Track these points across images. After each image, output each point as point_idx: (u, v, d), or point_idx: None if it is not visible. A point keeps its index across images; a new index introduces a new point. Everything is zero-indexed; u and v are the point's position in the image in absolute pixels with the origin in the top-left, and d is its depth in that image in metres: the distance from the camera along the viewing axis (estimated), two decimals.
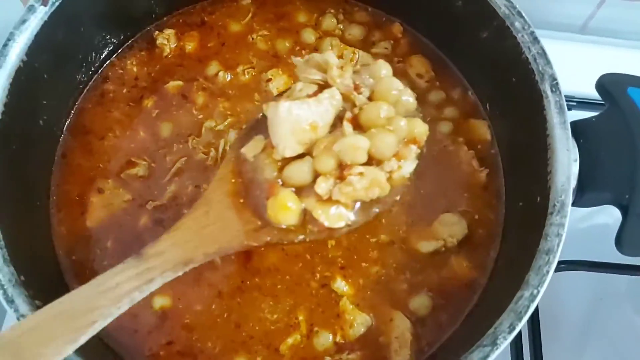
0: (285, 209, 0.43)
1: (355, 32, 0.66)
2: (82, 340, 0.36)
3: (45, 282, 0.48)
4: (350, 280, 0.53)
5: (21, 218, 0.49)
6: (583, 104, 0.76)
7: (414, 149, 0.45)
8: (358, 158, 0.42)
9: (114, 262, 0.51)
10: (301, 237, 0.44)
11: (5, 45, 0.49)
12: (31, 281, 0.44)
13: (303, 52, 0.64)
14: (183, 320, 0.51)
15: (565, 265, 0.66)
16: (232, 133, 0.59)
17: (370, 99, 0.46)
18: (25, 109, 0.51)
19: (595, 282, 0.72)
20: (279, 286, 0.53)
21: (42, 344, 0.35)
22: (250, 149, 0.46)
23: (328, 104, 0.44)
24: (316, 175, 0.43)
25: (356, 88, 0.46)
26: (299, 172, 0.43)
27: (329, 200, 0.43)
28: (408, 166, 0.44)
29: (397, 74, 0.62)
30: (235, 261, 0.54)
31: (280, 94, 0.49)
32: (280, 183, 0.44)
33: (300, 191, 0.44)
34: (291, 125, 0.43)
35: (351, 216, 0.44)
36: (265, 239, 0.44)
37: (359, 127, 0.44)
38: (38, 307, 0.42)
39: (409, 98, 0.47)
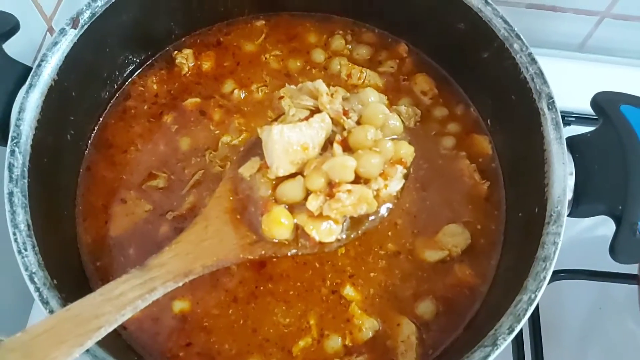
0: (279, 224, 0.47)
1: (363, 52, 0.69)
2: (89, 344, 0.38)
3: (75, 286, 0.51)
4: (359, 288, 0.56)
5: (51, 227, 0.52)
6: (581, 119, 0.79)
7: (399, 169, 0.49)
8: (346, 176, 0.46)
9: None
10: (294, 250, 0.47)
11: (39, 65, 0.52)
12: (63, 285, 0.47)
13: (313, 70, 0.68)
14: (202, 324, 0.54)
15: (565, 274, 0.69)
16: None
17: (358, 123, 0.50)
18: (55, 124, 0.55)
19: (595, 291, 0.74)
20: (291, 292, 0.56)
21: (52, 347, 0.37)
22: (247, 169, 0.50)
23: (318, 127, 0.48)
24: (307, 193, 0.47)
25: (345, 113, 0.50)
26: (292, 190, 0.47)
27: (320, 216, 0.46)
28: (394, 185, 0.48)
29: (402, 91, 0.67)
30: (249, 268, 0.56)
31: (275, 119, 0.53)
32: (274, 200, 0.48)
33: (293, 208, 0.48)
34: (283, 147, 0.46)
35: (340, 231, 0.47)
36: (260, 252, 0.48)
37: (348, 148, 0.48)
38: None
39: (395, 122, 0.51)
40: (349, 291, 0.56)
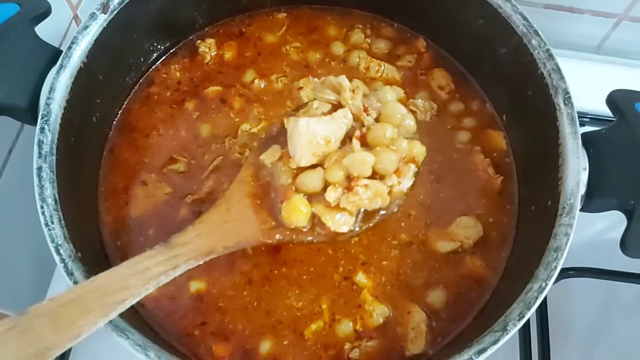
0: (297, 212, 0.49)
1: (382, 46, 0.70)
2: (113, 315, 0.40)
3: (96, 262, 0.53)
4: (371, 275, 0.57)
5: (76, 204, 0.54)
6: (596, 120, 0.80)
7: (412, 168, 0.51)
8: (364, 171, 0.48)
9: None
10: (309, 238, 0.49)
11: (69, 47, 0.54)
12: (87, 258, 0.48)
13: (332, 63, 0.69)
14: (217, 304, 0.55)
15: (574, 272, 0.69)
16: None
17: (376, 120, 0.52)
18: (83, 105, 0.56)
19: (604, 291, 0.75)
20: (304, 277, 0.57)
21: (78, 316, 0.38)
22: (268, 157, 0.52)
23: (341, 122, 0.50)
24: (326, 184, 0.49)
25: (365, 110, 0.52)
26: (312, 180, 0.49)
27: (336, 207, 0.49)
28: (406, 182, 0.50)
29: (419, 85, 0.68)
30: (265, 252, 0.58)
31: (297, 109, 0.54)
32: (294, 189, 0.50)
33: (311, 197, 0.50)
34: (308, 139, 0.48)
35: (354, 222, 0.49)
36: (277, 237, 0.49)
37: (365, 144, 0.50)
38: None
39: (410, 122, 0.53)
40: (361, 278, 0.57)
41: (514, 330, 0.44)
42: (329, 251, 0.58)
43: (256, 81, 0.67)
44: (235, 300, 0.56)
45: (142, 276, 0.42)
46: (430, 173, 0.62)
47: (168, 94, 0.66)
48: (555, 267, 0.46)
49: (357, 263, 0.58)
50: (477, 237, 0.59)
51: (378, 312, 0.55)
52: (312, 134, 0.48)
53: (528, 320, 0.68)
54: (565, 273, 0.71)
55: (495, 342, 0.43)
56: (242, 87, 0.67)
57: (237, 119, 0.65)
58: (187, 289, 0.56)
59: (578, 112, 0.80)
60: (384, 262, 0.58)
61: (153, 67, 0.67)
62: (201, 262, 0.46)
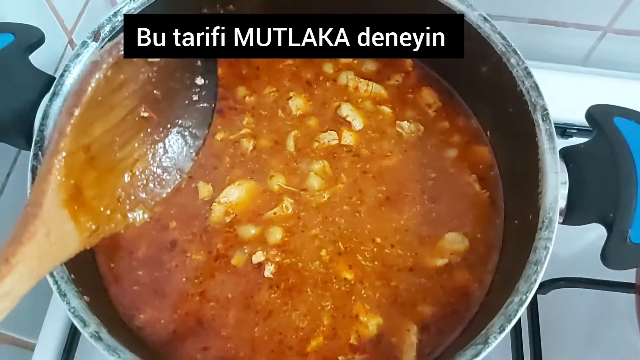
0: None
1: (370, 66, 0.72)
2: None
3: (91, 283, 0.54)
4: (365, 290, 0.58)
5: None
6: (583, 131, 0.82)
7: None
8: None
9: (145, 271, 0.58)
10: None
11: (62, 75, 0.56)
12: (80, 280, 0.50)
13: (327, 83, 0.71)
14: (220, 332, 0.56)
15: (564, 282, 0.70)
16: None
17: None
18: None
19: (596, 300, 0.75)
20: (302, 295, 0.58)
21: None
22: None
23: None
24: None
25: None
26: None
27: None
28: None
29: (408, 103, 0.69)
30: (265, 282, 0.59)
31: None
32: None
33: None
34: None
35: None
36: (97, 240, 0.48)
37: None
38: (87, 302, 0.48)
39: None
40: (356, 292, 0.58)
41: (495, 343, 0.45)
42: (320, 269, 0.59)
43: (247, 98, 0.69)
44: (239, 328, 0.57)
45: None
46: (422, 192, 0.63)
47: None
48: (535, 280, 0.47)
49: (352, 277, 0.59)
50: (465, 252, 0.60)
51: (372, 325, 0.56)
52: None
53: (520, 331, 0.69)
54: (556, 283, 0.72)
55: (477, 355, 0.44)
56: (235, 102, 0.69)
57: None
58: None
59: (566, 124, 0.83)
60: (377, 283, 0.59)
61: None
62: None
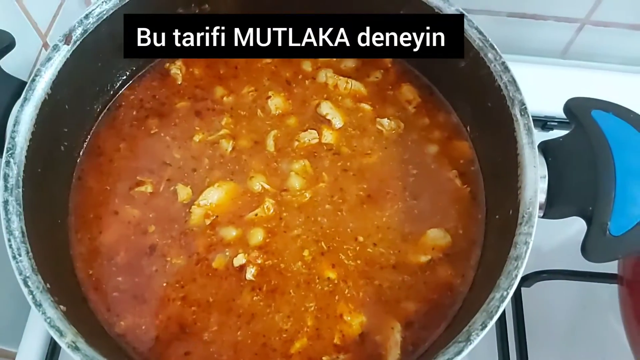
0: None
1: (349, 63, 0.71)
2: None
3: (69, 291, 0.54)
4: (349, 289, 0.58)
5: (45, 234, 0.54)
6: (564, 123, 0.82)
7: None
8: None
9: (125, 277, 0.57)
10: None
11: (33, 80, 0.54)
12: (56, 289, 0.49)
13: (306, 82, 0.70)
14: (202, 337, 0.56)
15: (546, 274, 0.71)
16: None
17: None
18: (49, 136, 0.57)
19: (579, 292, 0.76)
20: (285, 296, 0.57)
21: None
22: None
23: None
24: None
25: None
26: None
27: None
28: None
29: (388, 100, 0.69)
30: (246, 285, 0.58)
31: None
32: None
33: None
34: None
35: None
36: None
37: None
38: (63, 312, 0.47)
39: None
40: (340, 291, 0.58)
41: (477, 340, 0.45)
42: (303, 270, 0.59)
43: (225, 98, 0.68)
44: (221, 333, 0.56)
45: None
46: (404, 189, 0.63)
47: (134, 113, 0.67)
48: (516, 276, 0.47)
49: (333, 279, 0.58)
50: (447, 247, 0.60)
51: (355, 324, 0.56)
52: None
53: (505, 324, 0.70)
54: (539, 276, 0.72)
55: (459, 352, 0.44)
56: (213, 103, 0.68)
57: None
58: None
59: (546, 117, 0.83)
60: (361, 277, 0.59)
61: (121, 91, 0.68)
62: None
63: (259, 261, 0.58)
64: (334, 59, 0.72)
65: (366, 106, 0.68)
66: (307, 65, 0.71)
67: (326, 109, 0.67)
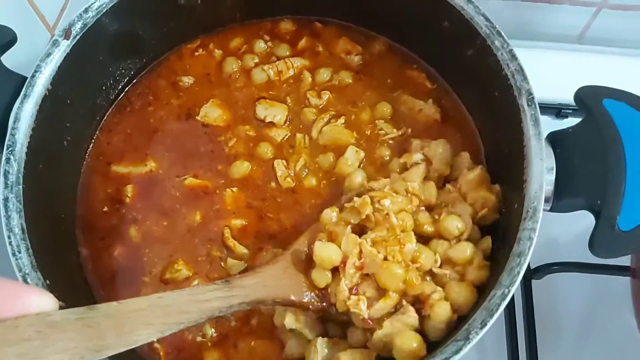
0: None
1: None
2: (168, 332, 0.40)
3: (70, 288, 0.54)
4: None
5: (47, 230, 0.55)
6: (579, 111, 0.79)
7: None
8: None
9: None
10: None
11: (32, 76, 0.54)
12: (56, 286, 0.49)
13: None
14: None
15: (557, 266, 0.69)
16: None
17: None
18: (51, 131, 0.57)
19: (592, 284, 0.74)
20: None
21: (140, 326, 0.38)
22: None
23: None
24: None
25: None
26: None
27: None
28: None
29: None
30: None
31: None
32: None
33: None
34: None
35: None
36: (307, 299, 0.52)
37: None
38: (62, 308, 0.47)
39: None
40: None
41: (476, 339, 0.44)
42: None
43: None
44: None
45: (201, 306, 0.44)
46: None
47: (140, 110, 0.67)
48: (518, 273, 0.46)
49: None
50: None
51: None
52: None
53: (515, 317, 0.68)
54: (550, 268, 0.70)
55: (458, 351, 0.43)
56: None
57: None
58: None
59: (561, 105, 0.81)
60: None
61: (126, 88, 0.68)
62: (250, 308, 0.50)
63: None
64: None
65: None
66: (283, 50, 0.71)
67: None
